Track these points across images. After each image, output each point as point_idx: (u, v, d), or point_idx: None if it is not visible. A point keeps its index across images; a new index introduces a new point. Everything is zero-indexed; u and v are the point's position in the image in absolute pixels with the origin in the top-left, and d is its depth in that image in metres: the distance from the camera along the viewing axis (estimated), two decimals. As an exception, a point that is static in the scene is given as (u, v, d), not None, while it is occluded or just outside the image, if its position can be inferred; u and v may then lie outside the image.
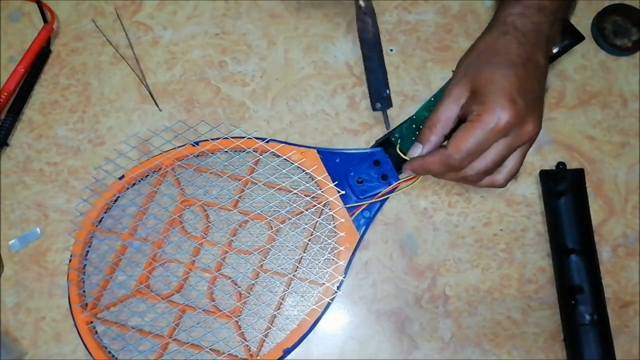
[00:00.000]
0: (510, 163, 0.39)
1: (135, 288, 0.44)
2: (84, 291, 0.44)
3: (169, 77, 0.49)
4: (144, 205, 0.45)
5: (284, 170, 0.44)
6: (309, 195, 0.44)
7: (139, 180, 0.45)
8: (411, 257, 0.45)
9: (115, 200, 0.45)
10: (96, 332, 0.43)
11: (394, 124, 0.46)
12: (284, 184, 0.44)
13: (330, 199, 0.43)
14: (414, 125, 0.44)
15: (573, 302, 0.42)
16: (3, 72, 0.49)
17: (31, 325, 0.45)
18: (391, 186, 0.43)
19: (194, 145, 0.45)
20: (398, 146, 0.43)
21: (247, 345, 0.42)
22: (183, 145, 0.45)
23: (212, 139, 0.44)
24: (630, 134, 0.47)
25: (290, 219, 0.44)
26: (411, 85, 0.48)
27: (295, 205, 0.44)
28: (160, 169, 0.45)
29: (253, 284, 0.44)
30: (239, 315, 0.43)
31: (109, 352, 0.43)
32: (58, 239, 0.46)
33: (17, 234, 0.46)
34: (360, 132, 0.47)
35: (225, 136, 0.44)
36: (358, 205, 0.43)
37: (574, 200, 0.44)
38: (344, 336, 0.45)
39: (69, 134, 0.48)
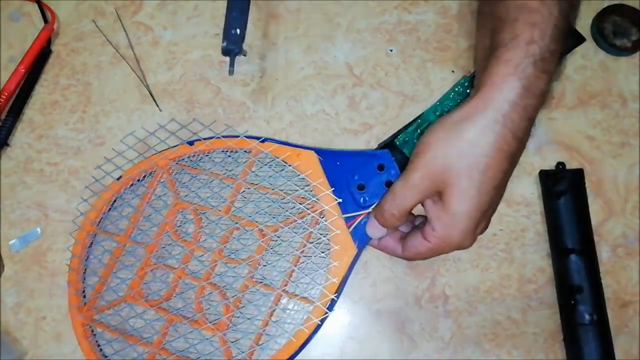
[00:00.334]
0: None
1: (127, 293, 0.43)
2: (83, 292, 0.43)
3: (169, 77, 0.49)
4: (139, 207, 0.44)
5: (278, 173, 0.42)
6: (304, 203, 0.40)
7: (137, 181, 0.44)
8: (411, 257, 0.45)
9: (114, 202, 0.44)
10: (94, 334, 0.43)
11: (394, 124, 0.46)
12: (278, 189, 0.41)
13: (326, 207, 0.39)
14: (419, 130, 0.43)
15: (573, 302, 0.42)
16: (3, 72, 0.49)
17: (31, 325, 0.45)
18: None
19: (189, 145, 0.43)
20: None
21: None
22: (177, 146, 0.44)
23: (205, 139, 0.43)
24: (630, 134, 0.47)
25: (282, 227, 0.40)
26: (411, 86, 0.48)
27: (288, 212, 0.41)
28: (154, 170, 0.44)
29: (240, 297, 0.41)
30: (226, 330, 0.40)
31: (104, 356, 0.42)
32: (58, 239, 0.46)
33: (18, 234, 0.46)
34: (360, 132, 0.47)
35: (218, 135, 0.42)
36: (357, 215, 0.39)
37: (573, 200, 0.44)
38: (343, 336, 0.45)
39: (69, 134, 0.48)
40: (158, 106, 0.48)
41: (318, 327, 0.39)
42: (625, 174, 0.46)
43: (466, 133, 0.33)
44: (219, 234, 0.42)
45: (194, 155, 0.44)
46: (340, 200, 0.40)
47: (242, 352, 0.40)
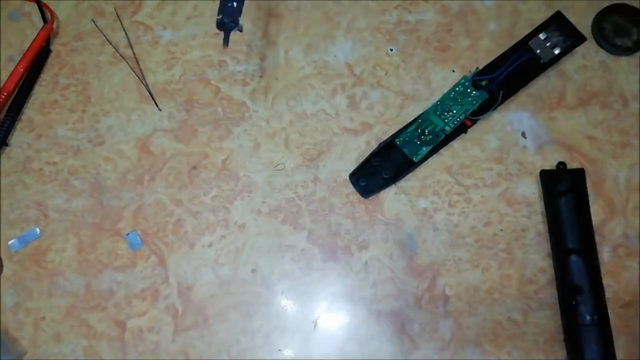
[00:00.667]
0: None
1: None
2: None
3: (168, 77, 0.49)
4: None
5: None
6: None
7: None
8: (411, 257, 0.45)
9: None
10: None
11: (394, 123, 0.46)
12: None
13: None
14: (419, 130, 0.43)
15: (573, 303, 0.42)
16: (3, 72, 0.49)
17: (31, 325, 0.45)
18: None
19: None
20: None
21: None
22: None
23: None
24: (630, 134, 0.47)
25: None
26: (411, 85, 0.48)
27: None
28: None
29: None
30: None
31: None
32: (58, 239, 0.46)
33: (17, 233, 0.46)
34: (360, 132, 0.47)
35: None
36: None
37: (574, 200, 0.44)
38: (343, 336, 0.44)
39: (69, 134, 0.48)
40: (157, 106, 0.48)
41: None
42: (626, 173, 0.46)
43: None
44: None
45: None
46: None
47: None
